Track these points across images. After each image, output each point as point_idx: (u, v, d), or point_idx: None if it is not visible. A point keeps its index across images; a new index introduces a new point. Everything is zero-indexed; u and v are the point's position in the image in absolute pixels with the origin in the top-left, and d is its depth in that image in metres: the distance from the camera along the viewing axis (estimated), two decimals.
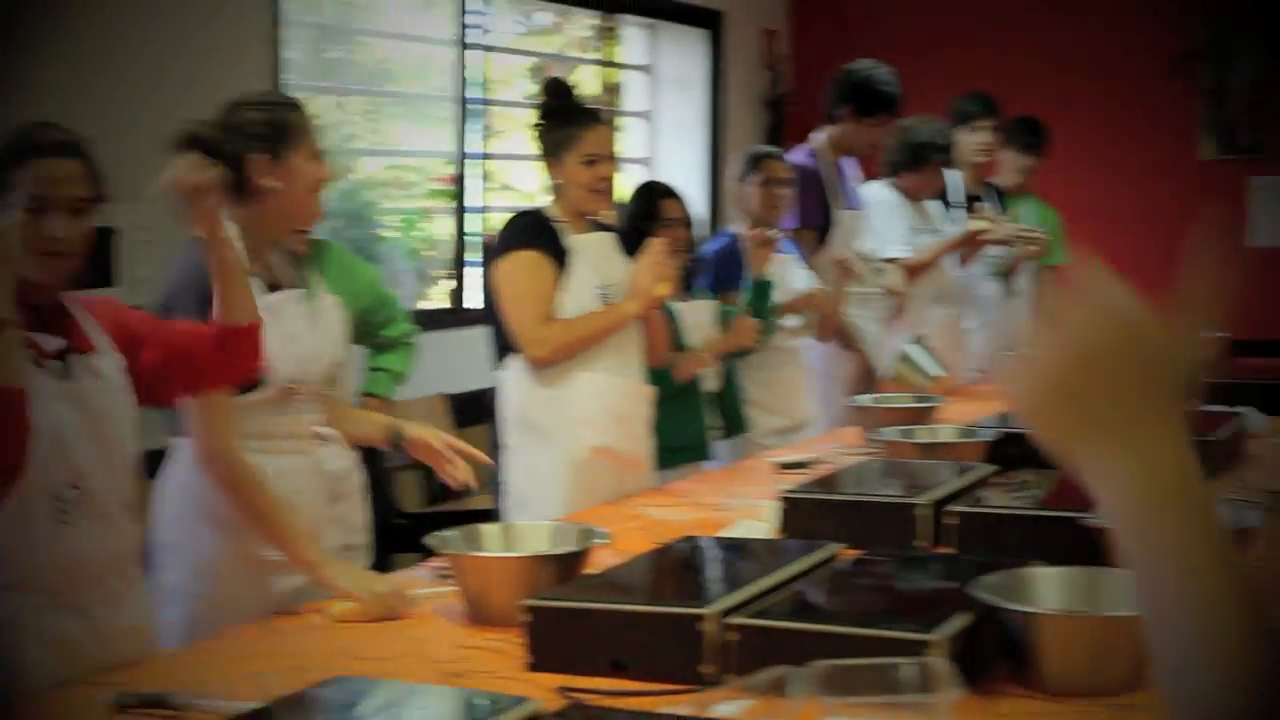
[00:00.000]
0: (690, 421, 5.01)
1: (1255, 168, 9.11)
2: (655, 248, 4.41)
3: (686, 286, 5.20)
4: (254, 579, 3.26)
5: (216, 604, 3.27)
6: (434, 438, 3.55)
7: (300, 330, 3.42)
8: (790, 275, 5.67)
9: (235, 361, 3.06)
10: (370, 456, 5.32)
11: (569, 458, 4.29)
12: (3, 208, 2.74)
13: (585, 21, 8.72)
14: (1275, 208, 8.98)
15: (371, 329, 4.71)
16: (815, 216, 6.05)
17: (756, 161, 5.64)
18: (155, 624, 3.04)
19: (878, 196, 6.37)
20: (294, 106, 3.44)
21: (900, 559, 2.93)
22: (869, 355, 6.04)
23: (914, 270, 6.33)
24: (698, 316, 5.15)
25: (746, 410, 5.50)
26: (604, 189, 4.36)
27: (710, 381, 5.18)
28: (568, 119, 4.34)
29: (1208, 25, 9.15)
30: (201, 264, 3.07)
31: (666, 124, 9.30)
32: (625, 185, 5.81)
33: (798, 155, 6.11)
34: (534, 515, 4.13)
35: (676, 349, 4.93)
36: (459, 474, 3.50)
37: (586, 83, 8.61)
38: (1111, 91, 9.31)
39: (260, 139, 3.31)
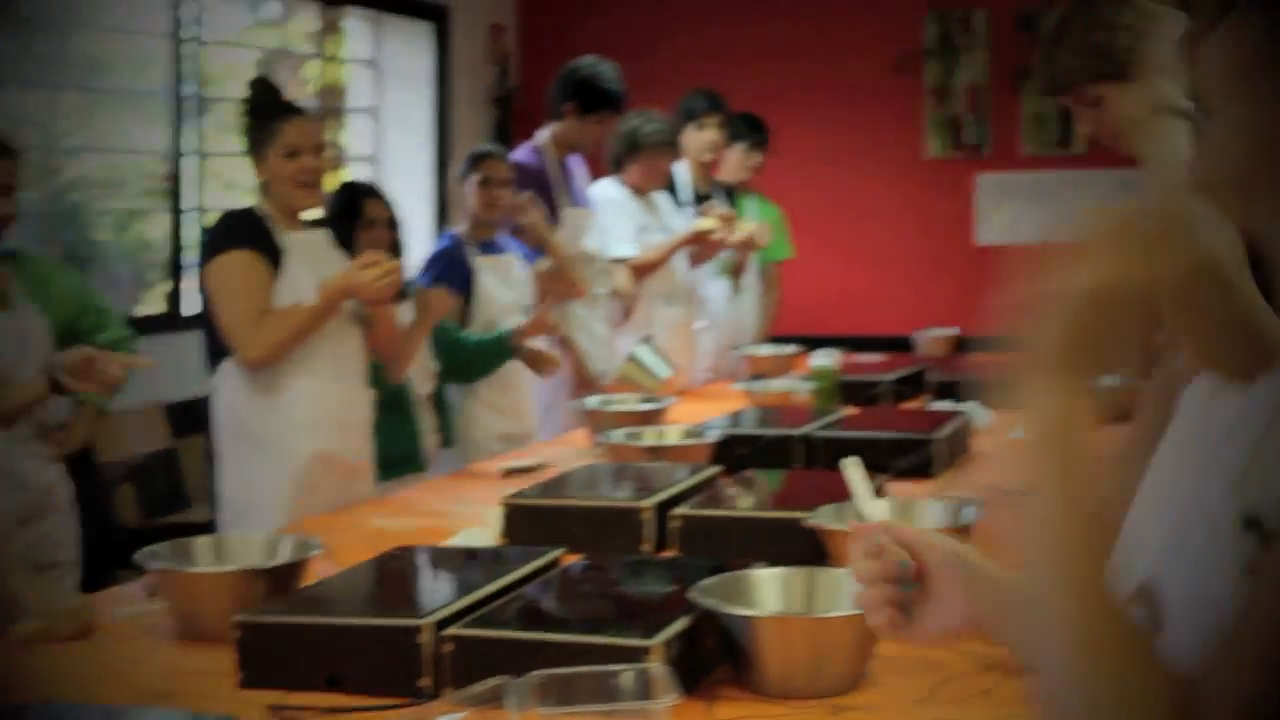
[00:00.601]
0: (404, 431, 4.93)
1: (980, 165, 9.34)
2: (369, 255, 4.33)
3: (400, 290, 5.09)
4: None
5: None
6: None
7: None
8: (512, 277, 5.62)
9: None
10: (85, 470, 5.15)
11: (287, 466, 4.19)
12: None
13: (311, 15, 8.57)
14: (999, 205, 9.22)
15: (81, 337, 4.54)
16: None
17: (476, 161, 5.59)
18: None
19: (605, 194, 6.35)
20: None
21: (623, 564, 2.91)
22: (583, 357, 6.01)
23: (642, 270, 6.32)
24: (406, 321, 5.07)
25: (475, 414, 5.44)
26: (309, 182, 4.28)
27: (424, 386, 5.09)
28: (269, 113, 4.27)
29: (933, 23, 9.35)
30: None
31: (393, 120, 9.19)
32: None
33: (522, 153, 6.07)
34: (253, 527, 4.02)
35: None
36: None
37: (311, 78, 8.48)
38: (838, 88, 9.47)
39: None
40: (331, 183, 4.46)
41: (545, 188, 6.01)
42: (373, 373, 4.52)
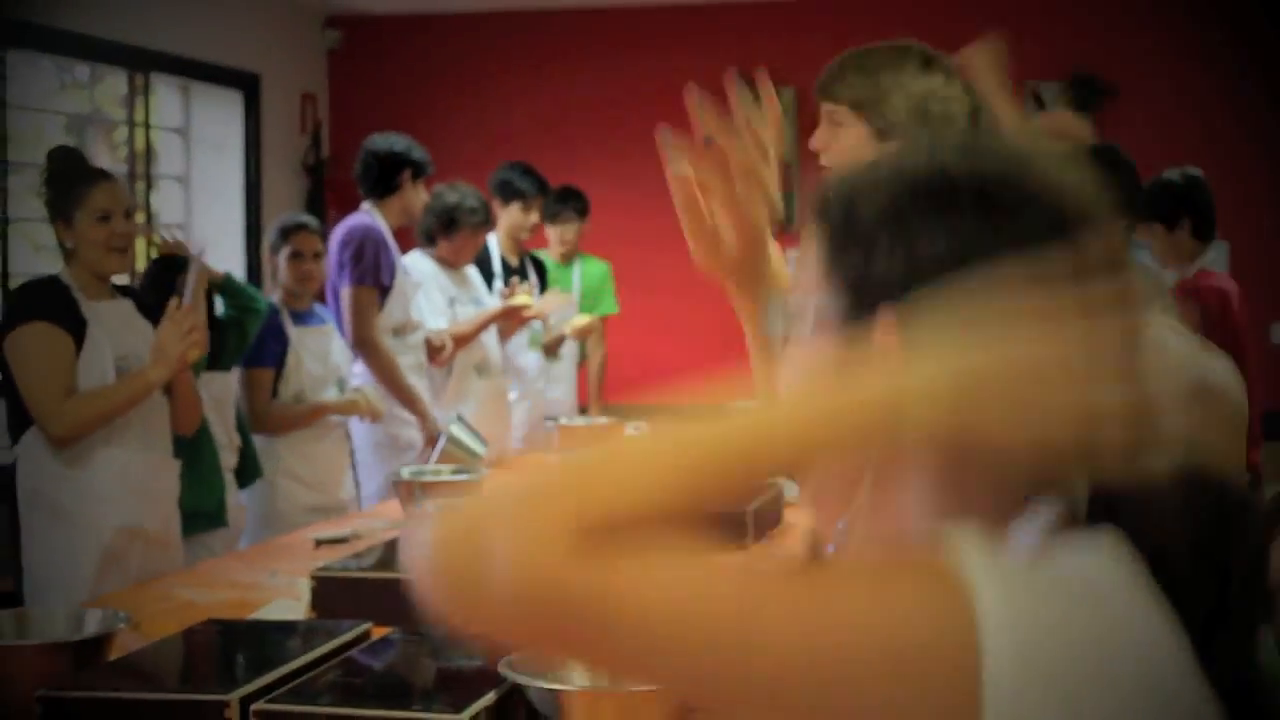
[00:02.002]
0: (207, 486, 4.89)
1: (789, 241, 9.46)
2: (177, 310, 4.29)
3: (211, 358, 5.05)
4: None
5: None
6: None
7: None
8: (329, 348, 5.61)
9: None
10: None
11: (92, 539, 4.13)
12: None
13: (120, 79, 8.48)
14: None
15: None
16: (388, 276, 6.04)
17: (286, 233, 5.57)
18: None
19: (417, 267, 6.36)
20: None
21: (431, 637, 2.91)
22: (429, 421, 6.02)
23: (456, 342, 6.33)
24: (219, 389, 5.05)
25: (282, 486, 5.41)
26: (121, 246, 4.25)
27: (227, 441, 5.09)
28: (76, 178, 4.24)
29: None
30: None
31: (203, 188, 9.12)
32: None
33: (361, 218, 6.09)
34: (58, 599, 3.97)
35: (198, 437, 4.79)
36: None
37: (121, 143, 8.39)
38: (650, 158, 9.53)
39: None
40: (140, 251, 4.43)
41: (388, 252, 6.02)
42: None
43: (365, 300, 5.95)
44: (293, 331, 5.48)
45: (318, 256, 5.60)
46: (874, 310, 1.19)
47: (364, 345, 5.92)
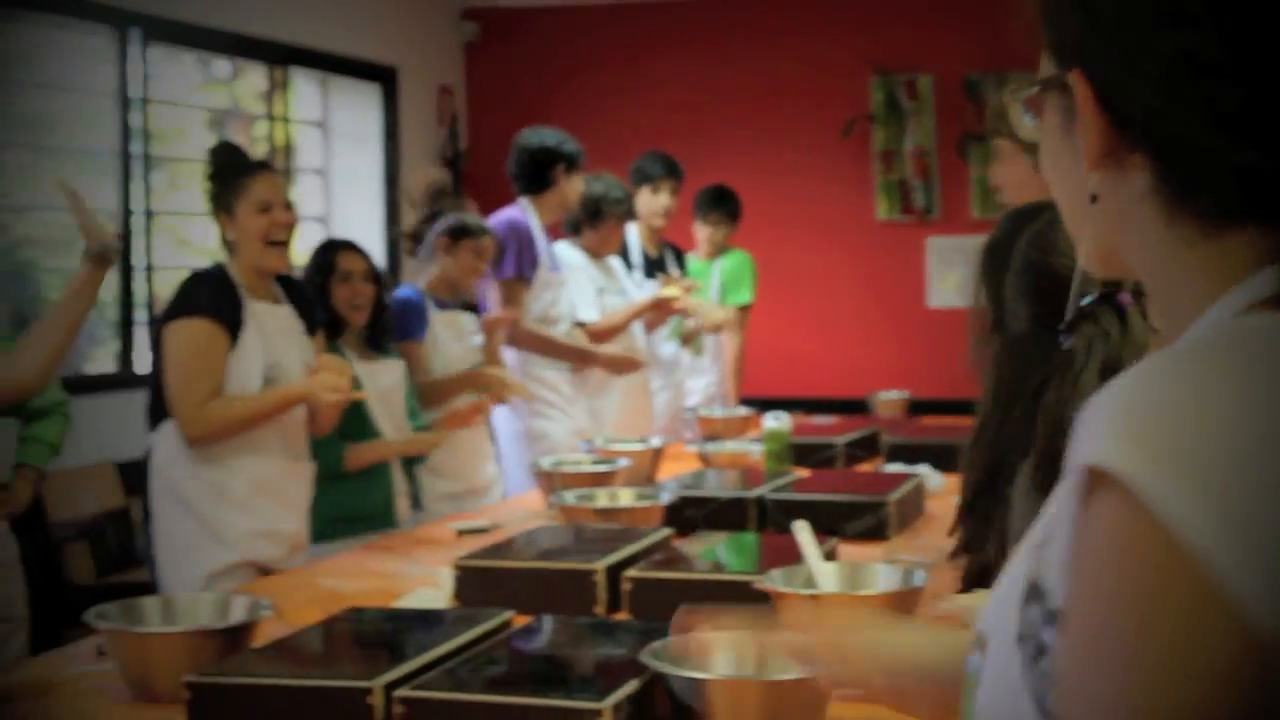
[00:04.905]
0: (377, 491, 4.89)
1: (930, 229, 9.40)
2: (333, 363, 4.31)
3: (375, 345, 5.06)
4: None
5: None
6: None
7: None
8: (470, 333, 5.62)
9: None
10: (34, 528, 5.11)
11: (222, 540, 4.15)
12: None
13: (260, 74, 8.58)
14: (949, 269, 9.27)
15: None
16: (529, 269, 6.08)
17: (464, 233, 5.53)
18: None
19: (566, 258, 6.39)
20: None
21: (573, 626, 2.90)
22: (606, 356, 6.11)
23: (603, 334, 6.36)
24: (385, 380, 5.03)
25: (419, 476, 5.42)
26: (281, 239, 4.24)
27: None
28: (237, 170, 4.24)
29: (879, 89, 9.42)
30: None
31: (342, 181, 9.20)
32: (304, 242, 5.70)
33: (511, 212, 6.15)
34: (186, 587, 4.00)
35: (359, 422, 4.80)
36: None
37: (261, 137, 8.48)
38: (790, 152, 9.52)
39: None
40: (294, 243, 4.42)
41: (532, 245, 6.07)
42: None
43: (513, 292, 6.04)
44: (434, 315, 5.47)
45: (487, 256, 5.63)
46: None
47: (515, 336, 5.98)
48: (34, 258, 7.32)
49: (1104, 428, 0.95)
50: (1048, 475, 2.16)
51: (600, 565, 3.32)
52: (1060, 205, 1.20)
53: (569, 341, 6.20)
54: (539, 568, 3.39)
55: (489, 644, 2.73)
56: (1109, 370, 2.16)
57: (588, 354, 6.22)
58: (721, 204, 7.52)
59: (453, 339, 5.51)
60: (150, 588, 4.19)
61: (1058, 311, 2.28)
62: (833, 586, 2.93)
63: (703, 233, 7.55)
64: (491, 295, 6.04)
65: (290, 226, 4.26)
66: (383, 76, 9.27)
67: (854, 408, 7.35)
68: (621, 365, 6.35)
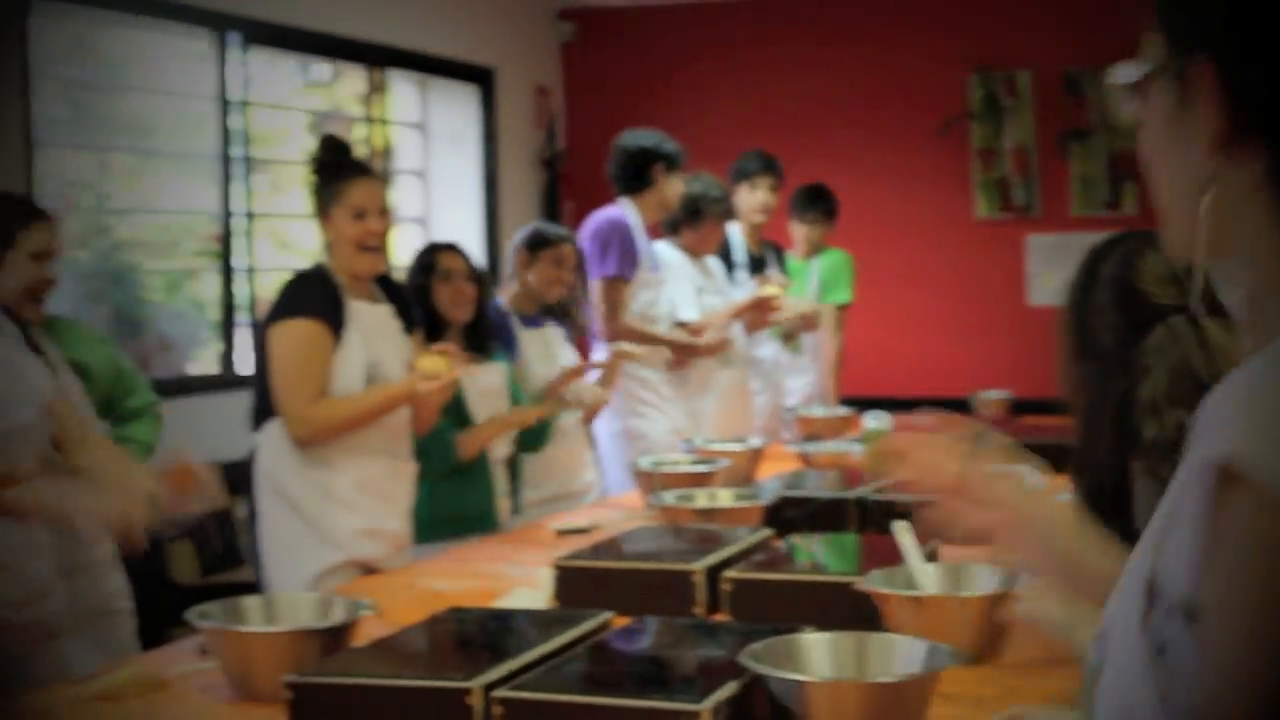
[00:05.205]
0: (479, 492, 4.89)
1: (1030, 226, 9.32)
2: (447, 349, 4.31)
3: (479, 346, 5.05)
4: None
5: None
6: None
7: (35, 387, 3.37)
8: (559, 350, 5.61)
9: None
10: None
11: (324, 535, 4.17)
12: None
13: (359, 77, 8.63)
14: (1050, 267, 9.18)
15: (113, 401, 4.57)
16: (630, 268, 6.09)
17: (542, 243, 5.52)
18: None
19: (665, 257, 6.38)
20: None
21: (673, 627, 2.89)
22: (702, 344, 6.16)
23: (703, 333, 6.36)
24: (488, 381, 5.03)
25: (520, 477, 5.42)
26: (374, 245, 4.24)
27: (500, 450, 5.06)
28: (336, 173, 4.24)
29: (978, 86, 9.36)
30: None
31: (441, 182, 9.24)
32: (402, 244, 5.71)
33: (613, 210, 6.18)
34: (291, 586, 4.03)
35: (461, 420, 4.81)
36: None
37: (360, 139, 8.53)
38: (887, 150, 9.47)
39: None
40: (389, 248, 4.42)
41: (633, 244, 6.11)
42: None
43: (615, 291, 6.05)
44: (521, 334, 5.46)
45: (573, 266, 5.62)
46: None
47: (617, 334, 6.00)
48: (136, 260, 7.40)
49: (1231, 425, 0.95)
50: (1162, 467, 2.24)
51: (700, 566, 3.30)
52: (1160, 188, 1.21)
53: (669, 334, 6.20)
54: (638, 568, 3.38)
55: (588, 645, 2.72)
56: (1183, 375, 2.29)
57: (689, 345, 6.22)
58: (817, 203, 7.50)
59: (541, 359, 5.47)
60: (254, 587, 4.22)
61: (1138, 325, 2.37)
62: (934, 588, 2.90)
63: (799, 232, 7.53)
64: (595, 293, 6.05)
65: (383, 234, 4.26)
66: (481, 78, 9.30)
67: (953, 407, 7.27)
68: (719, 346, 6.36)
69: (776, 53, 9.69)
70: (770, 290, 6.45)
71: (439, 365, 4.24)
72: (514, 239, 5.63)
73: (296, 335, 4.13)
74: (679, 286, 6.34)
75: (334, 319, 4.16)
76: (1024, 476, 2.10)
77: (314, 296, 4.17)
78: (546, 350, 5.51)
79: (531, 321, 5.53)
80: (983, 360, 9.09)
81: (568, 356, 5.62)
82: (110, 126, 7.09)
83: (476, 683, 2.41)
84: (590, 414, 5.59)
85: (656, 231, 6.44)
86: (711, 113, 9.56)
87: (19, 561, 3.33)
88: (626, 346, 5.68)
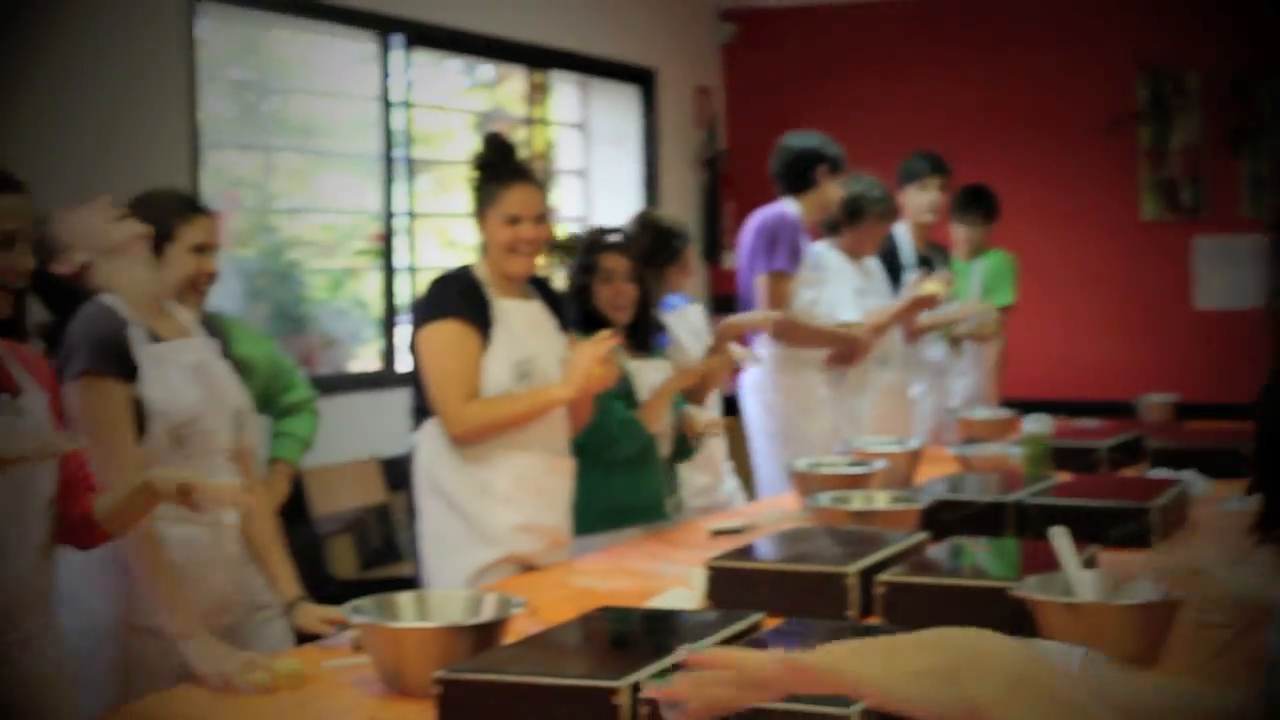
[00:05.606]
0: (652, 482, 4.87)
1: (1197, 228, 9.15)
2: (602, 339, 4.26)
3: (642, 344, 5.02)
4: (161, 644, 3.21)
5: (119, 667, 3.27)
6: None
7: (197, 378, 3.44)
8: (700, 324, 5.59)
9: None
10: (297, 521, 5.22)
11: (483, 531, 4.18)
12: None
13: (520, 78, 8.68)
14: (1218, 269, 9.01)
15: (271, 397, 4.63)
16: (795, 264, 6.12)
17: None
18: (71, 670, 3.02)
19: (824, 258, 6.36)
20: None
21: (826, 629, 2.86)
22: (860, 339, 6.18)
23: (873, 334, 6.33)
24: (653, 377, 5.00)
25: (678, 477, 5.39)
26: (525, 251, 4.21)
27: (663, 447, 5.04)
28: (494, 176, 4.23)
29: (1145, 86, 9.20)
30: (100, 316, 3.26)
31: (602, 182, 9.27)
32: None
33: (780, 207, 6.21)
34: (450, 582, 4.05)
35: (631, 408, 4.79)
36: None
37: (521, 140, 8.58)
38: (1052, 150, 9.36)
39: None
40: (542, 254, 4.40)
41: (798, 242, 6.13)
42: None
43: (779, 286, 6.06)
44: (665, 316, 5.42)
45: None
46: None
47: (781, 330, 6.00)
48: (301, 259, 7.50)
49: None
50: None
51: (853, 569, 3.27)
52: None
53: (835, 328, 6.18)
54: (791, 570, 3.35)
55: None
56: None
57: (856, 338, 6.19)
58: (978, 204, 7.42)
59: (691, 337, 5.44)
60: (412, 582, 4.25)
61: None
62: (1091, 595, 2.84)
63: (960, 233, 7.46)
64: (759, 288, 6.03)
65: (537, 240, 4.22)
66: (641, 78, 9.32)
67: (1117, 410, 7.18)
68: (879, 335, 6.33)
69: (938, 52, 9.60)
70: (929, 288, 6.40)
71: (597, 351, 4.20)
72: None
73: (442, 337, 4.15)
74: (838, 288, 6.32)
75: (479, 318, 4.16)
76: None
77: (457, 297, 4.18)
78: (693, 329, 5.50)
79: (667, 305, 5.50)
80: (1147, 363, 8.94)
81: (705, 327, 5.61)
82: (275, 127, 7.20)
83: (624, 682, 2.40)
84: (712, 384, 5.48)
85: (815, 233, 6.42)
86: (871, 113, 9.49)
87: (205, 573, 3.40)
88: (737, 350, 5.52)
